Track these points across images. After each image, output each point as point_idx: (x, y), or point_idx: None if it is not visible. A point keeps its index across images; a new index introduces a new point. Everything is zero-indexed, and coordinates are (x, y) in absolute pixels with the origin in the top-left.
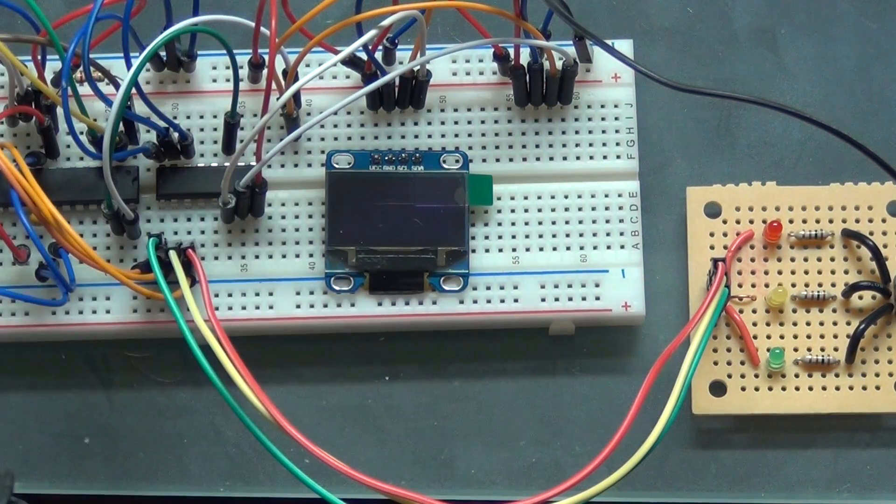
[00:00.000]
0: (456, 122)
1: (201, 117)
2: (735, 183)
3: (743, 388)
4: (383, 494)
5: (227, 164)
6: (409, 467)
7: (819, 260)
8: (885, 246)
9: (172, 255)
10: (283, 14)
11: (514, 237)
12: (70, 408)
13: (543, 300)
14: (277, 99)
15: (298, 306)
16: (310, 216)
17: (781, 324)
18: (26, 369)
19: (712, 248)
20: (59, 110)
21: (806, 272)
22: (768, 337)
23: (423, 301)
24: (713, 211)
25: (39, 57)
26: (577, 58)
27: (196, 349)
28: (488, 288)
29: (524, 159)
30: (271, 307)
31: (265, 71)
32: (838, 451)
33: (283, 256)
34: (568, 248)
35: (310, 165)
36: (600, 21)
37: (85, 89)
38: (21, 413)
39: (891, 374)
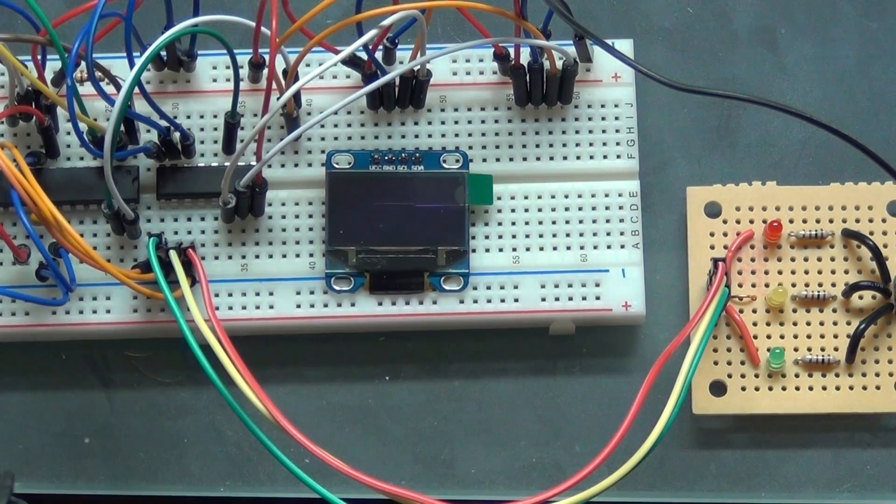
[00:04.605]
0: (456, 122)
1: (201, 117)
2: (735, 183)
3: (743, 388)
4: (383, 494)
5: (227, 164)
6: (409, 467)
7: (819, 260)
8: (885, 246)
9: (172, 254)
10: (283, 14)
11: (514, 237)
12: (70, 408)
13: (543, 300)
14: (277, 99)
15: (298, 306)
16: (310, 216)
17: (781, 324)
18: (26, 369)
19: (712, 248)
20: (59, 110)
21: (806, 272)
22: (768, 337)
23: (423, 301)
24: (713, 211)
25: (39, 57)
26: (577, 57)
27: (196, 349)
28: (488, 288)
29: (524, 159)
30: (271, 307)
31: (265, 71)
32: (838, 451)
33: (284, 256)
34: (568, 248)
35: (310, 165)
36: (600, 21)
37: (84, 89)
38: (21, 413)
39: (891, 374)
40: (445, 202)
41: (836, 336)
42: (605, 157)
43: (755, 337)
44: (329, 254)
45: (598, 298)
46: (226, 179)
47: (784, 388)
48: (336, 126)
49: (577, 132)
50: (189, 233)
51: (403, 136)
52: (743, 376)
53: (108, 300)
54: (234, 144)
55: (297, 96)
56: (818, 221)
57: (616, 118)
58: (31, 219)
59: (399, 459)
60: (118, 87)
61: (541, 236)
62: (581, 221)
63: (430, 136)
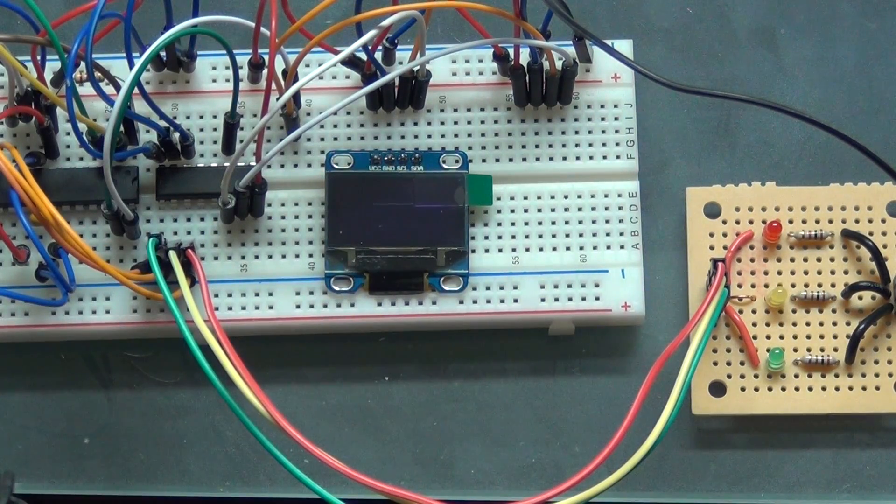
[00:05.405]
0: (456, 122)
1: (201, 117)
2: (735, 183)
3: (743, 389)
4: (383, 494)
5: (226, 164)
6: (409, 467)
7: (819, 260)
8: (884, 246)
9: (172, 255)
10: (283, 14)
11: (513, 237)
12: (70, 408)
13: (543, 300)
14: (277, 99)
15: (298, 306)
16: (310, 216)
17: (781, 324)
18: (26, 369)
19: (712, 248)
20: (59, 110)
21: (806, 272)
22: (768, 337)
23: (423, 301)
24: (713, 211)
25: (39, 57)
26: (576, 58)
27: (196, 349)
28: (488, 288)
29: (524, 159)
30: (271, 307)
31: (265, 71)
32: (838, 451)
33: (283, 256)
34: (568, 248)
35: (310, 165)
36: (600, 21)
37: (83, 89)
38: (21, 413)
39: (891, 375)
40: (445, 202)
41: (835, 336)
42: (604, 157)
43: (755, 337)
44: (328, 254)
45: (597, 299)
46: (225, 180)
47: (784, 389)
48: (336, 126)
49: (576, 132)
50: (188, 233)
51: (403, 136)
52: (742, 377)
53: (108, 300)
54: (233, 145)
55: (296, 97)
56: (818, 222)
57: (615, 118)
58: (31, 219)
59: (398, 460)
60: (117, 88)
61: (540, 237)
62: (580, 222)
63: (429, 136)
